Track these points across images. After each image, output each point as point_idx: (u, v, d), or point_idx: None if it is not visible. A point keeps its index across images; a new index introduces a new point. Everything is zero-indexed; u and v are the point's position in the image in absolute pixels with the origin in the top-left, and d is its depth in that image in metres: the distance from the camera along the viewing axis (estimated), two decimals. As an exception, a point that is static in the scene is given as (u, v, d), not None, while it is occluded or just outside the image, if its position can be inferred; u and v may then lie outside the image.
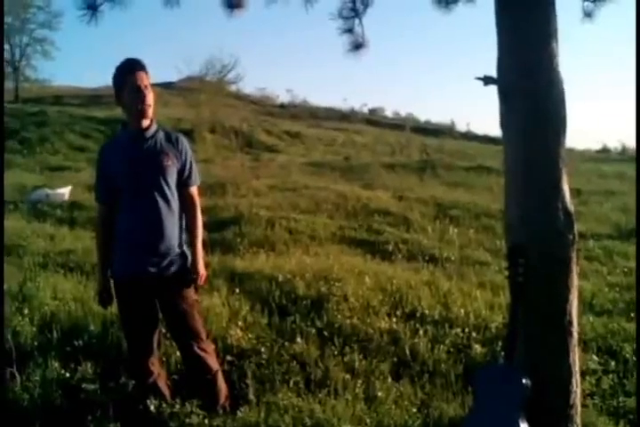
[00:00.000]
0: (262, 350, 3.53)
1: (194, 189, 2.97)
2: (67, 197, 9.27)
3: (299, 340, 3.74)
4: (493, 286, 5.45)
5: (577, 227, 2.84)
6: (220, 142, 19.59)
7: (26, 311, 3.93)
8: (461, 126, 32.27)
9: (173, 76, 28.85)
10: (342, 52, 4.10)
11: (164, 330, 3.09)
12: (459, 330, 4.12)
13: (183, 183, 2.90)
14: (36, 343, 3.55)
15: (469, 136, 32.07)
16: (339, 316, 4.20)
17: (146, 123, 2.85)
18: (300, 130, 25.26)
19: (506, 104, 2.89)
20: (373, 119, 35.09)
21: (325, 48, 61.77)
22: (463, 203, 10.38)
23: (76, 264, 5.61)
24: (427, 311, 4.44)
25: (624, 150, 29.03)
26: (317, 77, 58.37)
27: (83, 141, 16.17)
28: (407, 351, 3.76)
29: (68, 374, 3.19)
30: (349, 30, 4.12)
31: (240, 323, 3.90)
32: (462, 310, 4.49)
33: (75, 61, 54.51)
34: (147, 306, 2.87)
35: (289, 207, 9.24)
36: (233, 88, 32.24)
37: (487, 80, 2.90)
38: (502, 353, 2.80)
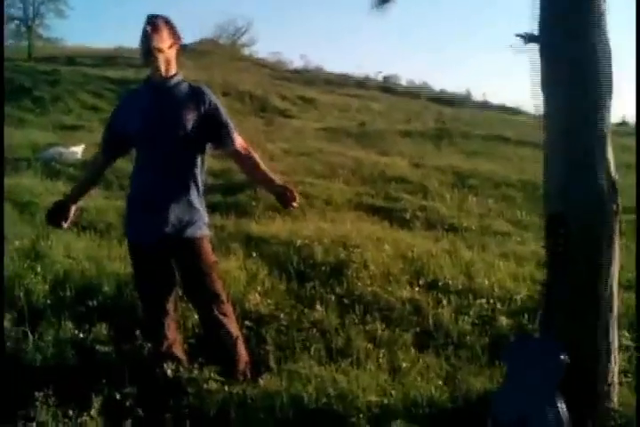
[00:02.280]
0: (281, 316, 3.40)
1: (238, 144, 2.71)
2: (79, 155, 9.12)
3: (318, 307, 3.61)
4: (516, 258, 5.31)
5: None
6: (232, 106, 19.28)
7: (38, 269, 3.80)
8: (477, 96, 31.73)
9: (187, 39, 28.29)
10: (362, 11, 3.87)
11: (180, 292, 2.95)
12: (483, 301, 3.98)
13: (219, 142, 2.70)
14: (48, 302, 3.44)
15: (485, 106, 31.54)
16: (359, 283, 4.07)
17: (167, 72, 2.65)
18: (314, 96, 24.87)
19: (547, 67, 2.68)
20: (388, 87, 34.55)
21: (339, 15, 60.80)
22: (482, 172, 10.15)
23: (89, 223, 5.50)
24: (449, 281, 4.30)
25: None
26: (331, 44, 57.35)
27: (96, 101, 15.91)
28: (430, 322, 3.64)
29: (81, 335, 3.08)
30: None
31: (259, 288, 3.77)
32: (486, 281, 4.36)
33: (89, 22, 53.74)
34: (163, 268, 2.72)
35: (304, 172, 9.08)
36: (246, 52, 31.71)
37: (529, 38, 2.68)
38: (538, 326, 2.66)
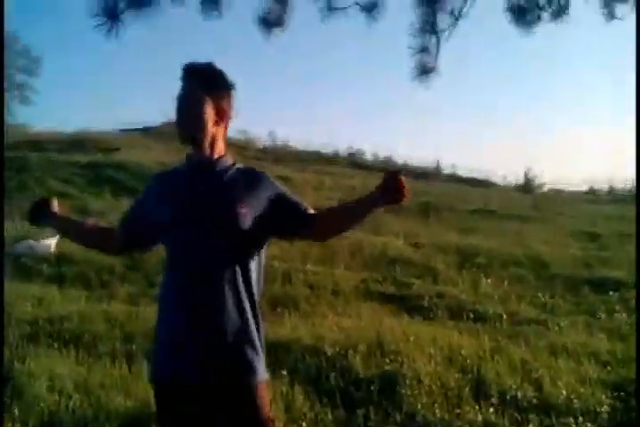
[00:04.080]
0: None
1: (312, 216, 2.01)
2: (53, 248, 8.27)
3: (383, 445, 2.86)
4: (570, 353, 4.67)
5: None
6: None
7: (16, 411, 2.97)
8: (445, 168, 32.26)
9: (155, 121, 27.88)
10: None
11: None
12: (570, 420, 3.29)
13: (297, 228, 2.01)
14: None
15: (454, 178, 31.80)
16: (418, 405, 3.33)
17: (212, 154, 2.00)
18: (287, 174, 24.63)
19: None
20: (357, 162, 34.80)
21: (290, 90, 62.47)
22: (484, 249, 9.65)
23: (72, 335, 4.65)
24: (518, 394, 3.60)
25: (611, 191, 29.03)
26: (293, 120, 58.30)
27: (64, 187, 15.19)
28: (521, 456, 2.90)
29: None
30: (424, 49, 3.41)
31: (303, 424, 2.98)
32: (558, 391, 3.67)
33: (54, 105, 53.79)
34: (201, 423, 1.95)
35: (301, 257, 8.39)
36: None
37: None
38: None
